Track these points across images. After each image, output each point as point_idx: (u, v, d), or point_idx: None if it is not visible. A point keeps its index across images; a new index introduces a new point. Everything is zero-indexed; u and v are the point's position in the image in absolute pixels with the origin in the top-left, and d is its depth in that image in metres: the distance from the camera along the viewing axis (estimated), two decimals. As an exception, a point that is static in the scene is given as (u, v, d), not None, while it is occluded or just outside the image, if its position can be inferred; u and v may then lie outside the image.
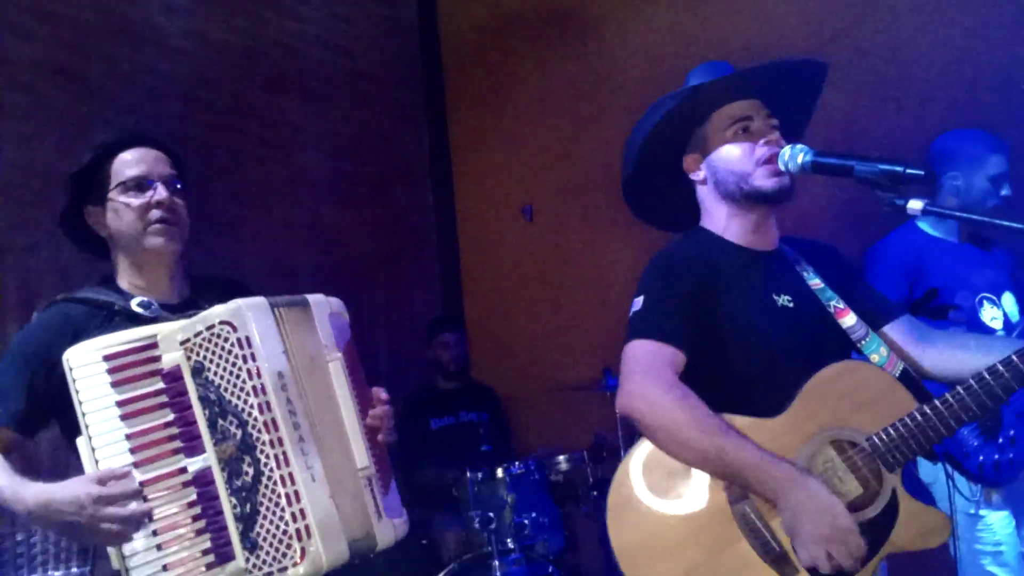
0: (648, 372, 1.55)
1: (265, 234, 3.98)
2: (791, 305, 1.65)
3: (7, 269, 3.05)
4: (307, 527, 1.44)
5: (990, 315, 2.47)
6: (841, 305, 1.69)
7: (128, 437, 1.47)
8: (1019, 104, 2.90)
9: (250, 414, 1.47)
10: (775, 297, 1.65)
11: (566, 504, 3.59)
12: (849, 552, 1.39)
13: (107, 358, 1.49)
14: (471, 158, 4.94)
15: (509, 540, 3.15)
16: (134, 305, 1.67)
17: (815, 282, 1.71)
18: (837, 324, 1.67)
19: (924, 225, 2.62)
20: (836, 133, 2.84)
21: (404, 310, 4.60)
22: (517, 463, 3.33)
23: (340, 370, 1.64)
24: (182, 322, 1.54)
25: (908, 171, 1.44)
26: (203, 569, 1.45)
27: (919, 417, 1.47)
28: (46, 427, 1.66)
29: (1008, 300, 2.54)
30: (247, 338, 1.49)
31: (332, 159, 4.42)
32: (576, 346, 4.23)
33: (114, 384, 1.48)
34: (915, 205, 1.43)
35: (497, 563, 3.07)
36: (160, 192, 1.72)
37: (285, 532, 1.43)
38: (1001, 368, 1.44)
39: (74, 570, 2.68)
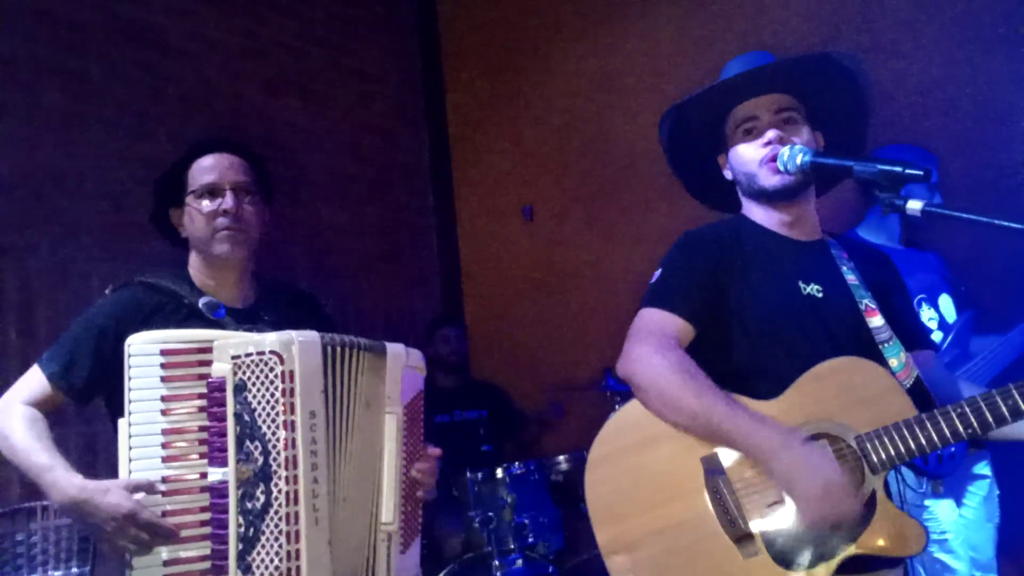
0: (650, 337, 1.58)
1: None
2: (820, 295, 1.64)
3: (7, 269, 3.05)
4: (298, 568, 1.48)
5: (927, 316, 2.53)
6: (873, 305, 1.67)
7: (164, 432, 1.51)
8: (1019, 104, 2.90)
9: (275, 445, 1.51)
10: (801, 284, 1.64)
11: (566, 504, 3.59)
12: (843, 510, 1.38)
13: (164, 352, 1.53)
14: (471, 158, 4.94)
15: (509, 540, 3.15)
16: (200, 303, 1.74)
17: (851, 278, 1.70)
18: (864, 322, 1.65)
19: (865, 233, 2.64)
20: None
21: (404, 309, 4.60)
22: (517, 463, 3.33)
23: (394, 424, 1.72)
24: (238, 337, 1.58)
25: (907, 171, 1.43)
26: (197, 572, 1.48)
27: (914, 424, 1.44)
28: (98, 397, 1.72)
29: (945, 302, 2.60)
30: (291, 372, 1.53)
31: (332, 159, 4.42)
32: (576, 346, 4.22)
33: (164, 379, 1.52)
34: (914, 205, 1.42)
35: (497, 563, 3.07)
36: (228, 201, 1.78)
37: (277, 568, 1.47)
38: (1013, 389, 1.40)
39: (74, 570, 2.68)
